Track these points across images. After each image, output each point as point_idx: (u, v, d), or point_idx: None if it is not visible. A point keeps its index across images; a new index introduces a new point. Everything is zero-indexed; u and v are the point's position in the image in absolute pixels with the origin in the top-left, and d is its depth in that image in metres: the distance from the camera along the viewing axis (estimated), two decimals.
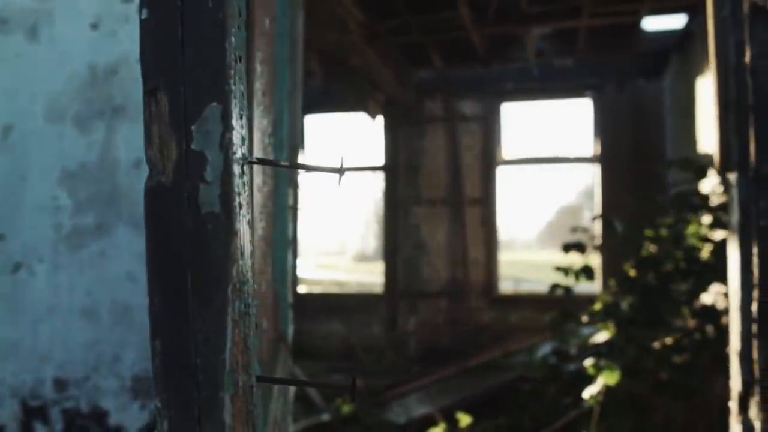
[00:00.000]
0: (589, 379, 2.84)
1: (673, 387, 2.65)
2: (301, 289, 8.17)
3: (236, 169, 0.49)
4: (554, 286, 3.73)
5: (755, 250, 1.39)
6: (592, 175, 6.71)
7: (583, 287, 5.26)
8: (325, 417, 4.56)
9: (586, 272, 3.64)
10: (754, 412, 1.40)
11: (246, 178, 0.56)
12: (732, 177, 1.49)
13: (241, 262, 0.49)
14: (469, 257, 6.79)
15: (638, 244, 3.20)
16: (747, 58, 1.42)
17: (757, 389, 1.38)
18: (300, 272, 9.41)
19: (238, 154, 0.51)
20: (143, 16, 0.46)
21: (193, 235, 0.46)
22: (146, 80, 0.46)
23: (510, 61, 6.44)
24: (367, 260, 19.77)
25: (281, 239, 1.43)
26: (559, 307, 3.77)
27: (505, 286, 9.29)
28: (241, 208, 0.50)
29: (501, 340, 6.27)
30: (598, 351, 3.11)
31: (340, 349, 6.94)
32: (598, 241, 3.98)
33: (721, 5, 1.48)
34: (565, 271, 3.68)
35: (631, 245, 3.40)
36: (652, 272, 3.16)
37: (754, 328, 1.39)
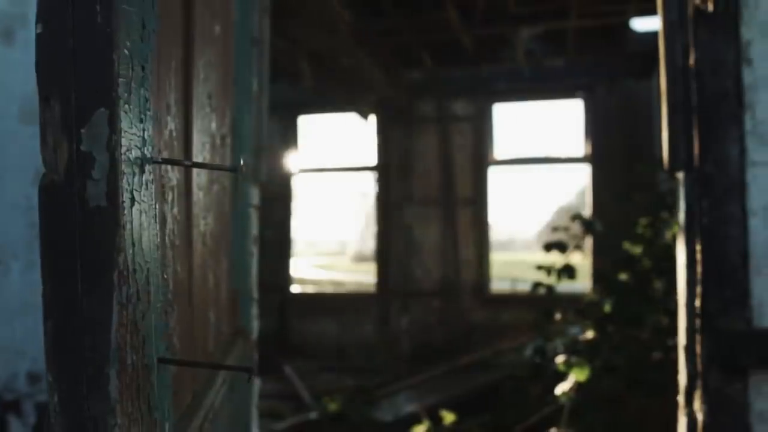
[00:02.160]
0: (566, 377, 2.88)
1: (646, 384, 2.69)
2: (296, 288, 8.23)
3: (126, 167, 0.54)
4: (536, 285, 3.78)
5: (698, 248, 1.44)
6: (585, 175, 6.75)
7: (579, 287, 5.28)
8: (313, 415, 4.62)
9: (568, 271, 3.69)
10: (697, 404, 1.45)
11: (149, 176, 0.61)
12: (680, 176, 1.54)
13: (131, 251, 0.54)
14: (460, 257, 6.83)
15: (617, 244, 3.25)
16: (691, 61, 1.46)
17: (699, 383, 1.43)
18: (297, 272, 9.48)
19: (134, 155, 0.56)
20: (38, 31, 0.51)
21: (82, 227, 0.51)
22: (41, 87, 0.51)
23: (500, 62, 6.49)
24: (365, 260, 19.82)
25: (242, 238, 1.48)
26: (549, 306, 3.81)
27: (503, 286, 9.33)
28: (134, 203, 0.55)
29: (492, 340, 6.31)
30: (576, 349, 3.15)
31: (333, 348, 6.99)
32: (583, 240, 4.02)
33: (669, 8, 1.53)
34: (548, 270, 3.73)
35: (611, 244, 3.45)
36: (629, 271, 3.21)
37: (698, 323, 1.44)
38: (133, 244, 0.55)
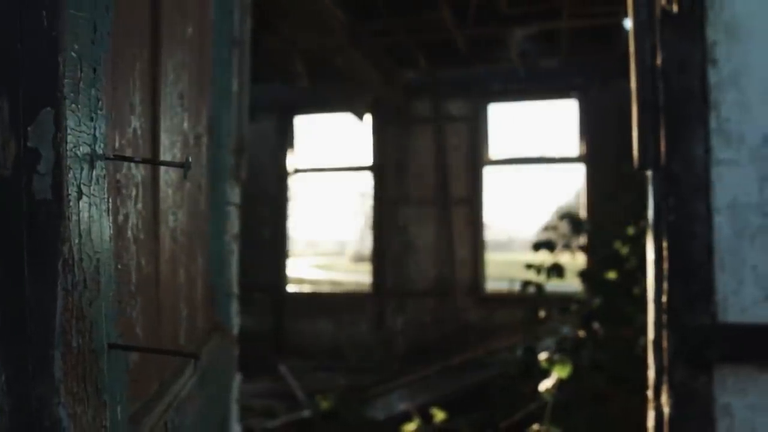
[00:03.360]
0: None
1: (629, 381, 2.72)
2: (293, 288, 8.26)
3: (73, 163, 0.57)
4: (525, 284, 3.81)
5: (665, 245, 1.47)
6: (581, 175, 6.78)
7: (573, 286, 5.30)
8: (306, 413, 4.65)
9: (556, 270, 3.72)
10: (664, 398, 1.48)
11: (100, 172, 0.65)
12: (649, 174, 1.57)
13: (77, 242, 0.57)
14: (455, 257, 6.87)
15: (602, 242, 3.28)
16: (658, 61, 1.50)
17: (666, 377, 1.46)
18: (295, 272, 9.52)
19: (83, 151, 0.60)
20: None
21: (29, 219, 0.54)
22: None
23: (495, 63, 6.52)
24: (364, 260, 19.85)
25: (219, 234, 1.52)
26: (539, 305, 3.84)
27: (501, 286, 9.33)
28: (82, 196, 0.59)
29: (486, 339, 6.35)
30: (562, 347, 3.19)
31: (328, 348, 7.03)
32: (571, 239, 4.05)
33: (638, 9, 1.56)
34: (537, 268, 3.76)
35: (597, 243, 3.48)
36: (617, 271, 3.24)
37: (664, 318, 1.47)
38: (80, 235, 0.58)
